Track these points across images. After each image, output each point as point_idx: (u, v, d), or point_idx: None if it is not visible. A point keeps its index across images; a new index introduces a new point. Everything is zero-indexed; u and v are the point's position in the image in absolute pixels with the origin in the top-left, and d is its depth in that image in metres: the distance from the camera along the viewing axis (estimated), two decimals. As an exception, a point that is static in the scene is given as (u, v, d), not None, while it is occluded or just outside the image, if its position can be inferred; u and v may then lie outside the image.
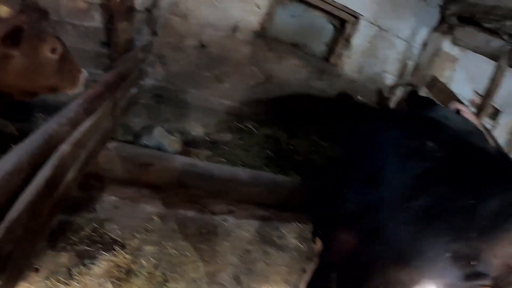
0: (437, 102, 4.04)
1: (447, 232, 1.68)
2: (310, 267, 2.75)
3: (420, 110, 2.72)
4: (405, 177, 1.93)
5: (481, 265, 1.65)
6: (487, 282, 1.69)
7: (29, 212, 1.81)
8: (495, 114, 6.37)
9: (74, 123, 2.26)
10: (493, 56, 4.62)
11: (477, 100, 5.74)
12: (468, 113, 2.76)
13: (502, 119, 6.50)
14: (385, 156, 2.17)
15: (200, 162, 4.16)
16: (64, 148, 2.19)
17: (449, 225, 1.70)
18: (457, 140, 2.18)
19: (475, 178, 1.84)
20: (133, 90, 4.23)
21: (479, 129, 2.60)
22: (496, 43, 4.62)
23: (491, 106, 4.95)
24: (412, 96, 4.02)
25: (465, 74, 6.02)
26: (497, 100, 5.13)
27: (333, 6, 5.37)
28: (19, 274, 1.97)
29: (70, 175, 2.47)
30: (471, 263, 1.65)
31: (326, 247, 2.50)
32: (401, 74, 6.02)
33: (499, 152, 2.38)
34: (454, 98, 4.68)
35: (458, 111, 2.71)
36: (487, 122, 5.78)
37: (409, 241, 1.74)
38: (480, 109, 4.37)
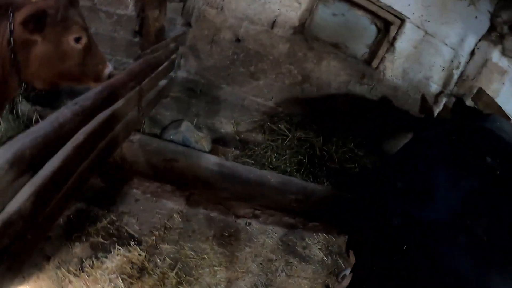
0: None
1: None
2: (341, 285, 2.54)
3: (473, 120, 2.46)
4: (462, 195, 1.76)
5: None
6: None
7: (32, 204, 1.68)
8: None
9: (90, 112, 2.12)
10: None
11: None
12: None
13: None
14: (436, 169, 1.99)
15: (227, 162, 4.00)
16: (78, 138, 2.06)
17: None
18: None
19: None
20: (163, 82, 4.10)
21: None
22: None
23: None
24: (458, 105, 3.70)
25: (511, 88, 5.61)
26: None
27: (378, 6, 5.08)
28: (19, 267, 1.85)
29: (85, 166, 2.34)
30: None
31: (362, 262, 2.30)
32: (446, 84, 5.67)
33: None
34: (502, 114, 4.34)
35: None
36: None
37: (470, 273, 1.51)
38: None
